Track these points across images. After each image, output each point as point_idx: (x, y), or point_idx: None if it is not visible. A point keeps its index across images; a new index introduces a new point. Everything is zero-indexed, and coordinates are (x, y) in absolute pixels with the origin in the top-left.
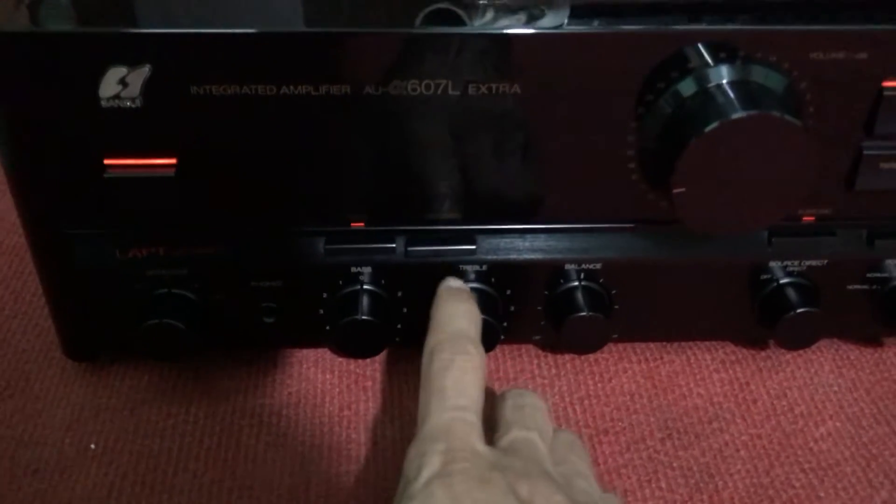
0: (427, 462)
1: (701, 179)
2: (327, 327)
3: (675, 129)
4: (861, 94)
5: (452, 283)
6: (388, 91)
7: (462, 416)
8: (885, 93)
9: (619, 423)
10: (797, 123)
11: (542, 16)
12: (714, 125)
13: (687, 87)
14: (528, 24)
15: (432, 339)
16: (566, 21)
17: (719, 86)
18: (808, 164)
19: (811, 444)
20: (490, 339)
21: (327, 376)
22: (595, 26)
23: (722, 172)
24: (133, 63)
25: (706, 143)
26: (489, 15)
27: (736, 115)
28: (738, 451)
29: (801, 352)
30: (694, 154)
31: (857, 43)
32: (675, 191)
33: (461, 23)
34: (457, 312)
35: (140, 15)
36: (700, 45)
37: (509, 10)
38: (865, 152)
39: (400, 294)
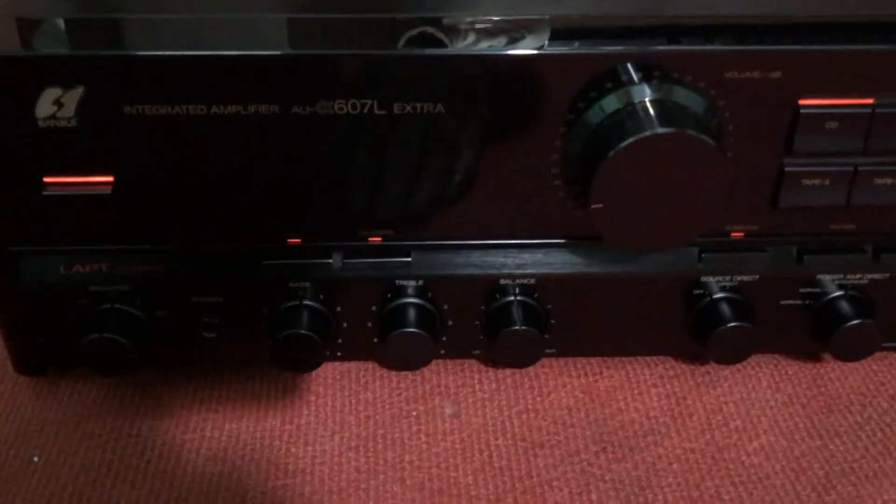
0: None
1: (618, 195)
2: (268, 342)
3: (595, 146)
4: (779, 112)
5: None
6: (316, 111)
7: None
8: (802, 111)
9: (555, 437)
10: (710, 142)
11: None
12: (629, 141)
13: (608, 105)
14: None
15: None
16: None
17: (639, 104)
18: (722, 183)
19: (743, 457)
20: (426, 354)
21: (271, 390)
22: (515, 48)
23: (639, 189)
24: (67, 84)
25: (622, 159)
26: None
27: (650, 132)
28: (670, 464)
29: (739, 367)
30: (610, 169)
31: (770, 63)
32: (593, 206)
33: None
34: None
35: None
36: (622, 66)
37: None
38: (787, 169)
39: (339, 308)
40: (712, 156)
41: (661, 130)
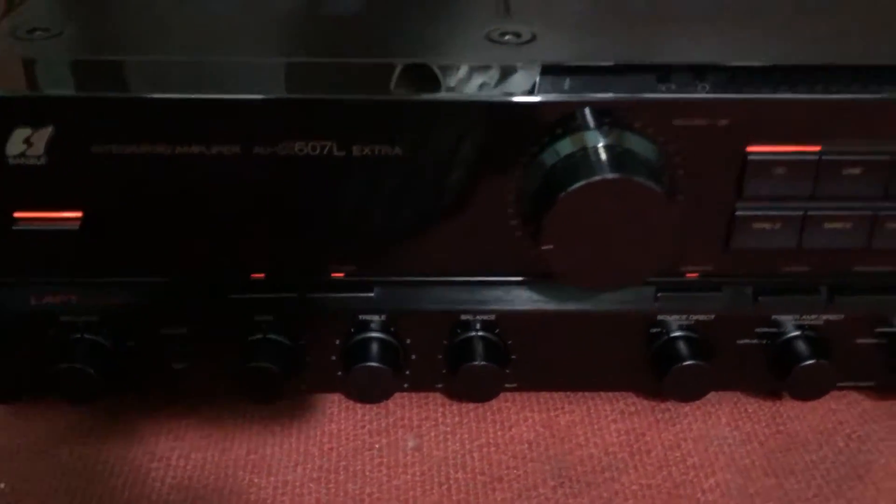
0: None
1: (568, 236)
2: (234, 373)
3: (547, 188)
4: (728, 158)
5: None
6: (277, 151)
7: None
8: (750, 157)
9: (515, 471)
10: (657, 189)
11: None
12: (578, 185)
13: (562, 149)
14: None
15: None
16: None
17: (590, 149)
18: (669, 228)
19: (699, 494)
20: (388, 388)
21: (238, 420)
22: (468, 95)
23: (588, 231)
24: (37, 124)
25: (571, 202)
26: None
27: (599, 177)
28: (626, 500)
29: (699, 404)
30: (560, 212)
31: (717, 111)
32: (544, 247)
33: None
34: None
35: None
36: (578, 112)
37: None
38: (738, 213)
39: (302, 342)
40: (659, 201)
41: (609, 176)
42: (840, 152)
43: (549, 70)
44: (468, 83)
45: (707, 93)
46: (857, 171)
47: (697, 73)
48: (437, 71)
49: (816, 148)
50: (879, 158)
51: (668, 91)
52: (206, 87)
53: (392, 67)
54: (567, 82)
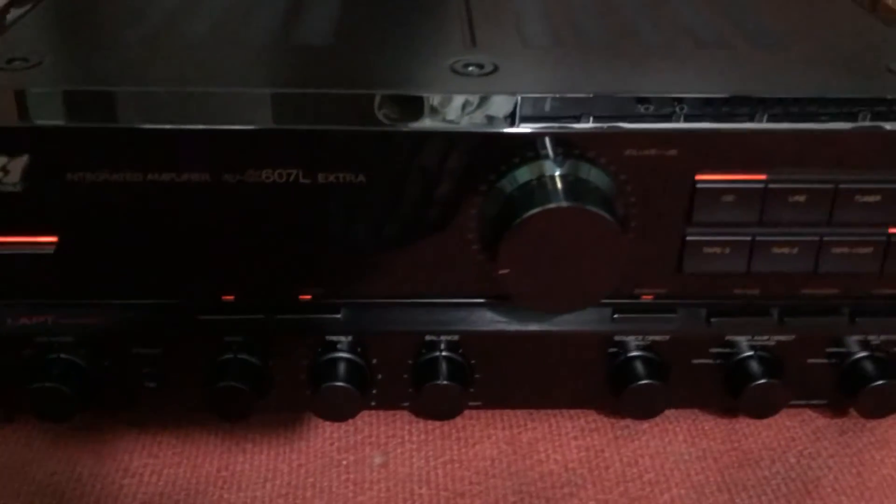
0: None
1: (523, 261)
2: (205, 392)
3: (504, 214)
4: (678, 186)
5: None
6: (245, 179)
7: None
8: (699, 185)
9: (477, 487)
10: (607, 216)
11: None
12: (533, 212)
13: (520, 177)
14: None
15: None
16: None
17: (547, 177)
18: (619, 253)
19: None
20: (354, 407)
21: (209, 438)
22: (430, 126)
23: (542, 256)
24: (13, 152)
25: (525, 229)
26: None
27: (553, 205)
28: None
29: (657, 421)
30: (516, 237)
31: (666, 141)
32: (500, 271)
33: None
34: None
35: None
36: (539, 141)
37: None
38: (688, 238)
39: (271, 362)
40: (609, 229)
41: (562, 204)
42: (785, 180)
43: (507, 101)
44: (431, 114)
45: (656, 123)
46: (801, 198)
47: (648, 104)
48: (401, 102)
49: (762, 176)
50: (823, 186)
51: (621, 122)
52: (176, 117)
53: (358, 98)
54: (525, 113)
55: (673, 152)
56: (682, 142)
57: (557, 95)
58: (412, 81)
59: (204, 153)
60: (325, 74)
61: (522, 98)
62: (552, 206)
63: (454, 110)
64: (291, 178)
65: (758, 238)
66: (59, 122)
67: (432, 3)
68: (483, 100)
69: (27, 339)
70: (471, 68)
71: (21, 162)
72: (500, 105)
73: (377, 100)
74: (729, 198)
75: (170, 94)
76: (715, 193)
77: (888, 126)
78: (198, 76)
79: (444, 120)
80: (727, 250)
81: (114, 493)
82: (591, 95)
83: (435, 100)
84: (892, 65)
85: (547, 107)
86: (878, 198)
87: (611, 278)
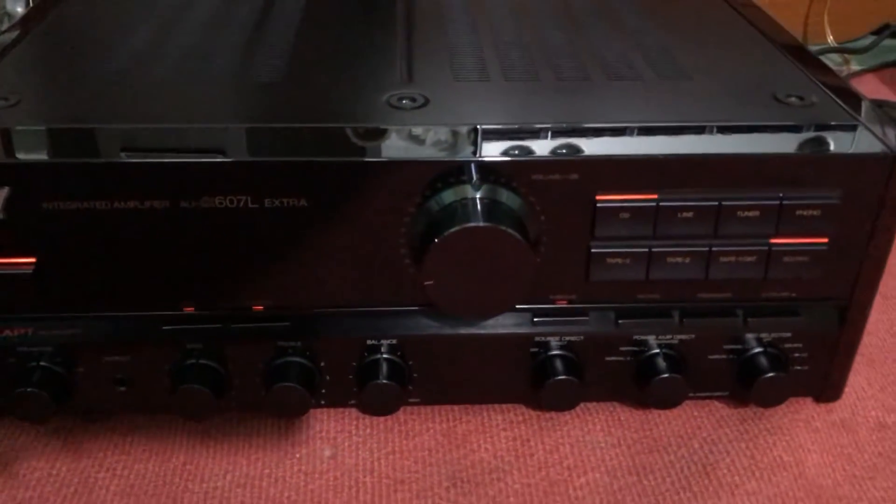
0: None
1: (445, 273)
2: (170, 394)
3: (428, 232)
4: (581, 206)
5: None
6: (200, 205)
7: None
8: (599, 205)
9: (415, 474)
10: (516, 235)
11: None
12: (452, 230)
13: (443, 199)
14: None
15: None
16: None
17: (465, 200)
18: (528, 267)
19: (570, 491)
20: (304, 405)
21: (175, 435)
22: (365, 155)
23: (462, 269)
24: None
25: (446, 245)
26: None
27: (469, 224)
28: (508, 497)
29: (578, 413)
30: (437, 252)
31: (568, 167)
32: (426, 283)
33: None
34: None
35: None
36: (464, 167)
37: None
38: (593, 251)
39: (229, 366)
40: (519, 245)
41: (478, 223)
42: (674, 199)
43: (434, 132)
44: (366, 144)
45: (560, 152)
46: (690, 214)
47: (558, 133)
48: (339, 133)
49: (654, 196)
50: (708, 204)
51: (530, 151)
52: (138, 151)
53: (300, 132)
54: (449, 142)
55: (575, 176)
56: (582, 168)
57: (477, 126)
58: (352, 115)
59: (163, 183)
60: (275, 109)
61: (448, 129)
62: (471, 224)
63: (387, 140)
64: (241, 204)
65: (654, 249)
66: (39, 158)
67: (377, 39)
68: (412, 131)
69: (10, 350)
70: (404, 101)
71: (2, 194)
72: (428, 135)
73: (319, 132)
74: (626, 215)
75: (135, 130)
76: (614, 211)
77: (764, 150)
78: (162, 112)
79: (376, 150)
80: (628, 261)
81: (89, 486)
82: (507, 126)
83: (369, 131)
84: (778, 93)
85: (468, 136)
86: (757, 213)
87: (522, 288)
